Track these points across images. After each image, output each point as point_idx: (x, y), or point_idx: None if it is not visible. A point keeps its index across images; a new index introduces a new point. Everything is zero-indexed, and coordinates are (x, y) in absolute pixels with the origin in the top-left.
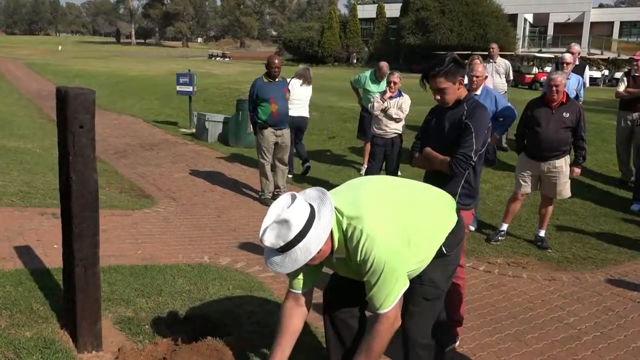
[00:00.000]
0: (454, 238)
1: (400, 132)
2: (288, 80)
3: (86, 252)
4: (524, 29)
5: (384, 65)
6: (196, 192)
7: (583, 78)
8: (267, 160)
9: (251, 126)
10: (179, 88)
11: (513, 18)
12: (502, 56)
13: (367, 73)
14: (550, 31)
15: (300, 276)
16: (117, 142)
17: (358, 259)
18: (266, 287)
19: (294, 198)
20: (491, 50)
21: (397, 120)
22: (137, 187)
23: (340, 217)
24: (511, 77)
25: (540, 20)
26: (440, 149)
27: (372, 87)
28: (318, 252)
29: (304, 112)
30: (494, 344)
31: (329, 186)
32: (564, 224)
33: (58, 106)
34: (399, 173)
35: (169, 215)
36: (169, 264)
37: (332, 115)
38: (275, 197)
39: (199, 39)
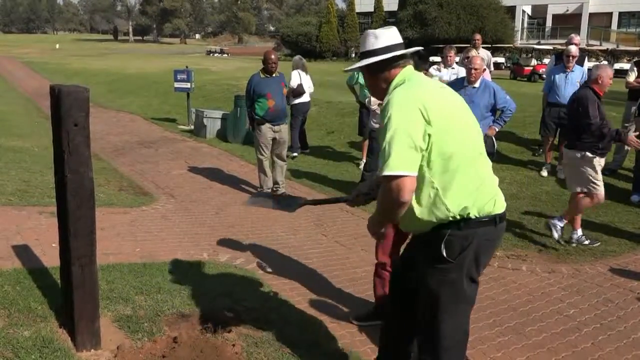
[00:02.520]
0: (462, 241)
1: None
2: (293, 73)
3: (83, 250)
4: (522, 20)
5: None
6: (195, 189)
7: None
8: (266, 156)
9: (249, 122)
10: (176, 85)
11: (511, 10)
12: (499, 49)
13: None
14: (549, 23)
15: None
16: (116, 139)
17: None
18: (265, 284)
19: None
20: (476, 41)
21: None
22: (135, 185)
23: (402, 78)
24: (492, 68)
25: (539, 12)
26: None
27: None
28: (377, 78)
29: (309, 97)
30: (494, 337)
31: (328, 181)
32: None
33: (52, 104)
34: None
35: (168, 212)
36: (168, 261)
37: (331, 110)
38: (274, 193)
39: (197, 36)
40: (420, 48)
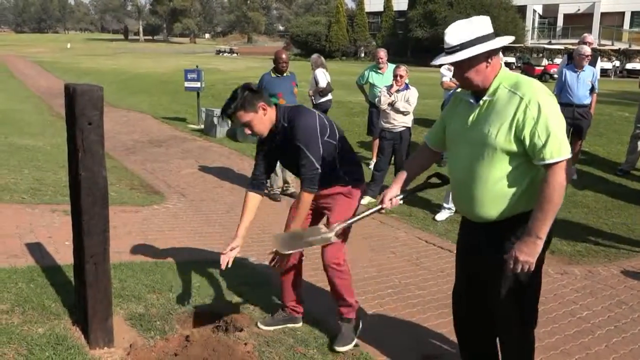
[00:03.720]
0: None
1: (408, 126)
2: (317, 72)
3: (96, 248)
4: (533, 20)
5: (380, 50)
6: (205, 188)
7: (595, 69)
8: None
9: None
10: (187, 84)
11: (522, 9)
12: (509, 48)
13: (369, 66)
14: (560, 22)
15: (437, 131)
16: (127, 138)
17: (515, 97)
18: (276, 282)
19: None
20: None
21: (405, 114)
22: (146, 184)
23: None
24: None
25: (550, 12)
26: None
27: (376, 79)
28: (490, 64)
29: (331, 95)
30: None
31: None
32: (576, 217)
33: (67, 103)
34: None
35: (179, 211)
36: (179, 260)
37: (341, 109)
38: (284, 192)
39: (207, 35)
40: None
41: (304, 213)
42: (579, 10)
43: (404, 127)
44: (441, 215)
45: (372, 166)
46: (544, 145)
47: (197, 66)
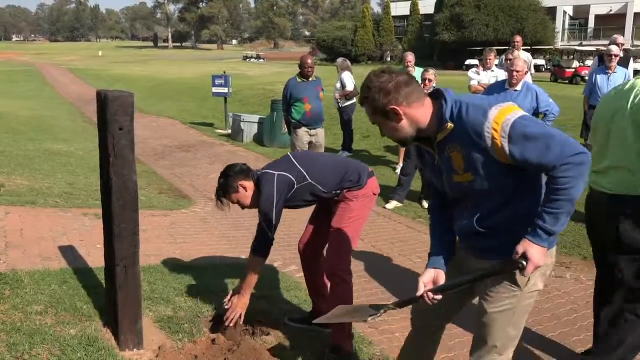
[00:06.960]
0: None
1: None
2: (345, 76)
3: (126, 252)
4: (564, 22)
5: (408, 54)
6: None
7: (628, 71)
8: None
9: (285, 126)
10: (214, 90)
11: (552, 11)
12: (539, 50)
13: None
14: (592, 24)
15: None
16: (156, 143)
17: None
18: (302, 287)
19: None
20: (516, 43)
21: None
22: (175, 188)
23: None
24: (533, 71)
25: (581, 13)
26: None
27: None
28: None
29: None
30: (537, 347)
31: None
32: None
33: (99, 109)
34: None
35: (207, 215)
36: (207, 264)
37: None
38: None
39: (234, 41)
40: None
41: (256, 276)
42: (611, 10)
43: None
44: None
45: (398, 170)
46: None
47: (224, 72)
